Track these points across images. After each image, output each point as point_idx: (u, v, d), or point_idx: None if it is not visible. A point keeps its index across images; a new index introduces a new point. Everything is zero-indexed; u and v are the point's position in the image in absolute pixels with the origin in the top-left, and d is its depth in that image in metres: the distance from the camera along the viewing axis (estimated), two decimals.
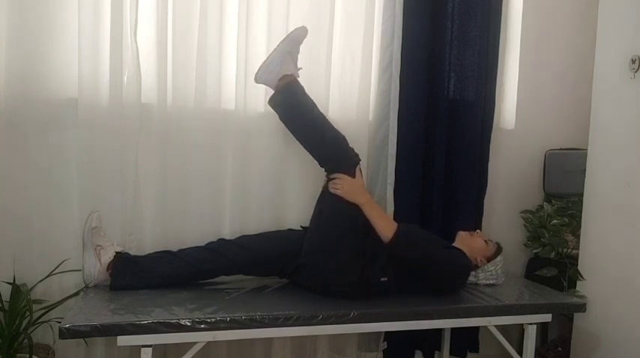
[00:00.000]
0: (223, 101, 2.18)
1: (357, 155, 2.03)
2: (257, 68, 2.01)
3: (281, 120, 2.06)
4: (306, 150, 2.05)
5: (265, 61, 2.00)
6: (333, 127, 2.04)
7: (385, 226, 1.96)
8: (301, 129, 2.04)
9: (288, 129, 2.06)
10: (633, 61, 2.05)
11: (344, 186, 1.94)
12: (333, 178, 1.96)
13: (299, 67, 2.06)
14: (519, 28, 2.65)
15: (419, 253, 1.94)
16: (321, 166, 2.05)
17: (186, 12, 2.09)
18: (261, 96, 2.21)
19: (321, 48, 2.25)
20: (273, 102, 2.04)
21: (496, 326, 2.01)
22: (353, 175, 1.98)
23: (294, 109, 2.03)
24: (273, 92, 2.03)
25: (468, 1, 2.40)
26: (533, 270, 2.46)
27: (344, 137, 2.04)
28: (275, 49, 2.00)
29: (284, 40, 2.01)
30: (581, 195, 2.31)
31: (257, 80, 2.03)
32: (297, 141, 2.06)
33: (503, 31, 2.54)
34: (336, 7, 2.26)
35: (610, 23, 2.19)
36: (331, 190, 1.95)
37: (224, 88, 2.18)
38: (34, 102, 1.99)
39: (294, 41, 2.01)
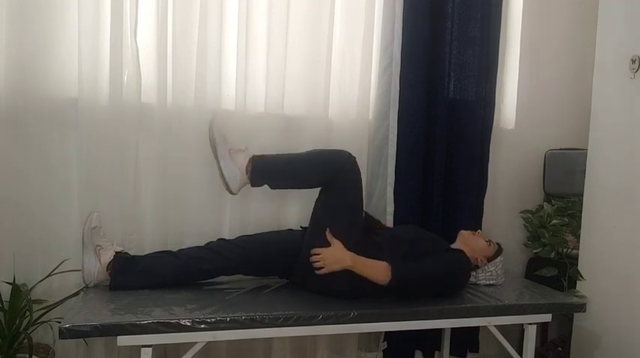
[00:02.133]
0: (223, 101, 2.18)
1: (350, 155, 2.00)
2: (228, 186, 1.95)
3: (273, 188, 2.04)
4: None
5: (224, 177, 1.94)
6: (308, 152, 2.04)
7: (379, 273, 1.90)
8: (294, 177, 2.02)
9: (288, 185, 2.09)
10: (633, 61, 2.05)
11: (324, 259, 1.89)
12: (311, 254, 1.91)
13: (241, 148, 2.00)
14: (519, 28, 2.65)
15: (421, 279, 1.92)
16: (327, 186, 2.00)
17: (186, 12, 2.09)
18: (261, 96, 2.21)
19: (321, 48, 2.25)
20: (255, 182, 2.00)
21: (496, 326, 2.01)
22: (355, 175, 1.97)
23: (274, 173, 2.00)
24: (249, 182, 2.00)
25: (468, 1, 2.41)
26: (533, 270, 2.46)
27: (324, 150, 2.05)
28: (220, 161, 1.94)
29: (214, 147, 1.95)
30: (581, 195, 2.31)
31: (235, 192, 1.99)
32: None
33: (503, 31, 2.54)
34: (335, 7, 2.26)
35: (610, 23, 2.19)
36: (316, 271, 1.89)
37: (224, 87, 2.18)
38: (35, 102, 1.99)
39: (220, 139, 1.96)
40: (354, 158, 2.01)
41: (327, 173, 1.98)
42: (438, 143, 2.41)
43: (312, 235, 1.99)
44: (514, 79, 2.67)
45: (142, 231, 2.11)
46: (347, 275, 1.89)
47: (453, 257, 2.04)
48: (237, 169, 1.93)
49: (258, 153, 2.06)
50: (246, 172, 1.93)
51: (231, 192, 1.97)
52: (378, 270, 1.91)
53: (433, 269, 1.95)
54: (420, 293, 1.94)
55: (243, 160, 1.94)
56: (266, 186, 2.08)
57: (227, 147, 1.94)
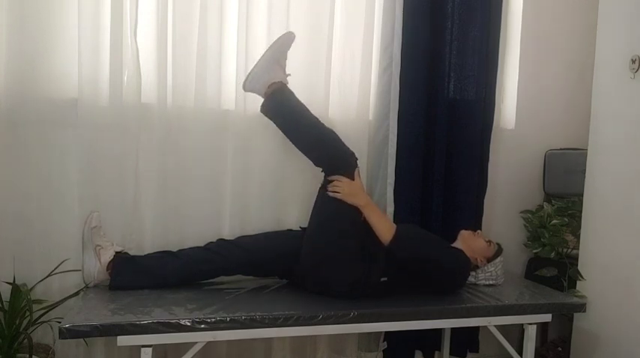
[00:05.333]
0: (223, 101, 2.18)
1: (353, 154, 2.02)
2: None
3: (276, 125, 2.05)
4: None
5: (253, 69, 2.00)
6: (327, 129, 2.04)
7: (384, 228, 1.96)
8: (296, 133, 2.04)
9: (285, 134, 2.06)
10: (633, 61, 2.05)
11: (343, 189, 1.94)
12: (332, 180, 1.96)
13: (288, 73, 2.05)
14: (519, 28, 2.65)
15: (418, 254, 1.94)
16: (317, 166, 2.04)
17: (186, 12, 2.10)
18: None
19: (321, 48, 2.25)
20: (264, 108, 2.04)
21: (496, 326, 2.01)
22: (352, 177, 1.98)
23: (287, 114, 2.03)
24: (263, 99, 2.03)
25: (468, 1, 2.40)
26: (533, 270, 2.46)
27: (339, 138, 2.03)
28: (262, 57, 2.00)
29: (270, 47, 2.01)
30: (581, 195, 2.30)
31: (245, 88, 2.04)
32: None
33: (503, 31, 2.54)
34: (336, 7, 2.26)
35: (610, 23, 2.19)
36: (330, 193, 1.94)
37: (224, 88, 2.18)
38: (34, 102, 1.99)
39: (281, 48, 2.01)
40: (355, 158, 2.02)
41: (324, 157, 2.00)
42: (438, 143, 2.41)
43: (311, 236, 1.99)
44: (514, 79, 2.67)
45: (141, 232, 2.11)
46: (347, 276, 1.90)
47: (454, 254, 2.05)
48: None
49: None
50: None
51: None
52: (385, 225, 1.97)
53: (434, 255, 1.97)
54: (416, 278, 1.95)
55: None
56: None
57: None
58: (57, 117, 2.03)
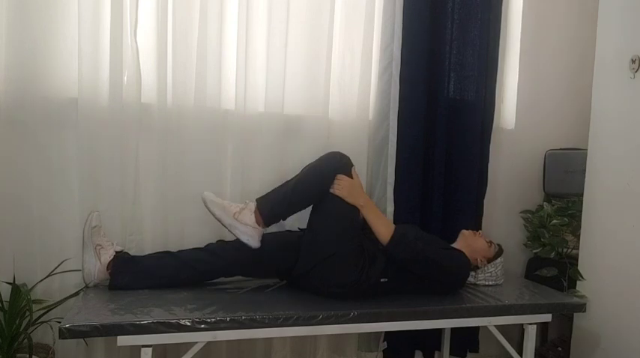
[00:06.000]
0: (223, 101, 2.18)
1: (343, 156, 2.00)
2: (250, 245, 1.91)
3: (287, 218, 2.02)
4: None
5: (243, 242, 1.91)
6: (305, 174, 2.00)
7: (383, 228, 1.97)
8: (299, 204, 1.99)
9: (300, 211, 2.03)
10: (633, 61, 2.05)
11: (344, 188, 1.94)
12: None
13: (240, 205, 1.95)
14: (519, 28, 2.65)
15: (417, 255, 1.94)
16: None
17: (186, 12, 2.09)
18: (261, 96, 2.21)
19: (321, 47, 2.25)
20: (270, 223, 1.97)
21: (496, 326, 2.01)
22: (350, 176, 1.98)
23: (281, 209, 1.96)
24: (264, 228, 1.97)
25: (468, 1, 2.41)
26: (533, 270, 2.46)
27: (312, 164, 2.01)
28: (233, 230, 1.91)
29: (219, 221, 1.91)
30: (581, 195, 2.31)
31: (258, 246, 1.94)
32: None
33: (503, 31, 2.54)
34: (335, 7, 2.26)
35: (610, 23, 2.19)
36: (332, 191, 1.95)
37: (224, 87, 2.18)
38: (35, 102, 1.99)
39: (220, 213, 1.91)
40: (347, 157, 2.00)
41: (326, 182, 1.97)
42: (438, 143, 2.41)
43: (310, 236, 1.99)
44: (514, 79, 2.67)
45: (141, 231, 2.11)
46: (346, 276, 1.90)
47: (453, 254, 2.05)
48: (250, 229, 1.90)
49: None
50: (259, 224, 1.92)
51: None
52: (383, 224, 1.97)
53: (434, 256, 1.96)
54: (416, 279, 1.95)
55: (250, 216, 1.92)
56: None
57: (230, 214, 1.91)
58: (57, 117, 2.03)
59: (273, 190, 2.00)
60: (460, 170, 2.45)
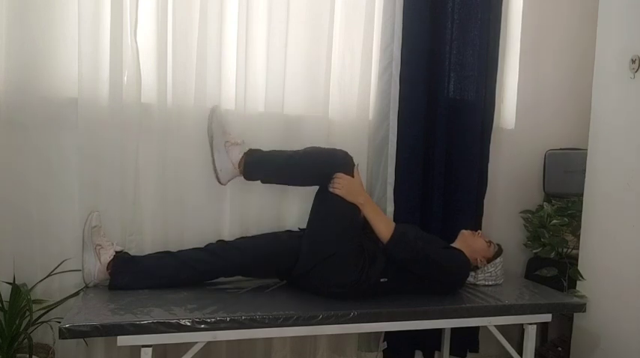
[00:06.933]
0: (223, 101, 2.18)
1: (346, 153, 2.00)
2: (218, 177, 1.99)
3: (265, 182, 2.05)
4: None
5: (216, 168, 1.98)
6: (307, 148, 2.02)
7: (383, 227, 1.97)
8: (287, 175, 2.02)
9: (284, 183, 2.09)
10: (633, 61, 2.05)
11: (344, 187, 1.94)
12: (333, 178, 1.96)
13: (237, 141, 2.01)
14: (519, 28, 2.65)
15: (416, 253, 1.94)
16: (321, 183, 2.00)
17: (186, 12, 2.09)
18: (261, 96, 2.21)
19: (321, 48, 2.25)
20: (248, 177, 2.02)
21: (496, 326, 2.01)
22: (351, 175, 1.98)
23: (269, 169, 2.01)
24: (242, 176, 2.01)
25: (468, 1, 2.41)
26: (533, 270, 2.46)
27: (323, 148, 2.04)
28: (214, 152, 1.97)
29: (211, 137, 1.98)
30: (581, 195, 2.31)
31: (224, 182, 2.02)
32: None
33: (503, 31, 2.54)
34: (335, 7, 2.26)
35: (610, 23, 2.19)
36: (331, 190, 1.95)
37: (224, 87, 2.18)
38: (35, 102, 1.99)
39: (218, 130, 1.98)
40: (351, 157, 2.00)
41: (320, 174, 1.98)
42: (438, 143, 2.41)
43: (310, 236, 1.99)
44: (514, 79, 2.67)
45: (141, 232, 2.11)
46: (346, 276, 1.90)
47: (453, 254, 2.05)
48: (229, 162, 1.96)
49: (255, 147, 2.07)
50: (239, 166, 1.97)
51: (220, 183, 2.01)
52: (384, 222, 1.98)
53: (433, 256, 1.96)
54: (416, 278, 1.95)
55: (237, 154, 1.98)
56: (267, 188, 2.09)
57: (224, 140, 1.97)
58: (57, 117, 2.03)
59: (270, 151, 2.03)
60: (460, 170, 2.45)
